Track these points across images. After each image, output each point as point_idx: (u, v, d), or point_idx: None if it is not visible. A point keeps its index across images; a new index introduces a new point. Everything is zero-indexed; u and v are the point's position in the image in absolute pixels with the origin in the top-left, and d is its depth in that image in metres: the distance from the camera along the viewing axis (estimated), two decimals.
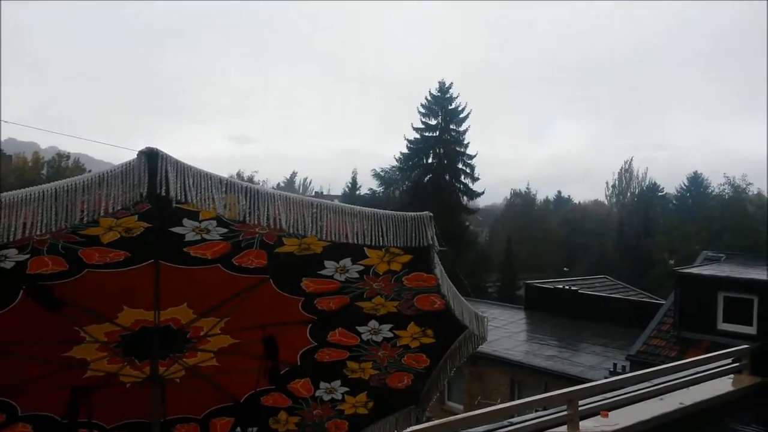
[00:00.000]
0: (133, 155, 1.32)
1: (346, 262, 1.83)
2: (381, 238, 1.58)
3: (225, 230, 1.61)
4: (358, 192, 44.64)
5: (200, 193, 1.34)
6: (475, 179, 38.22)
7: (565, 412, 3.31)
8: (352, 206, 1.56)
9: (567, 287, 20.70)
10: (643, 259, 36.07)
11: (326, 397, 2.43)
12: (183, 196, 1.32)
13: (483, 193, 38.99)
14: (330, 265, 1.85)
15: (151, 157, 1.30)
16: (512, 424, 3.17)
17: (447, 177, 38.01)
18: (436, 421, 2.91)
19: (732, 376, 4.66)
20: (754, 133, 68.61)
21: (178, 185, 1.31)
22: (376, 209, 1.62)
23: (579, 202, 59.90)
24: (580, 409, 3.38)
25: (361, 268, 1.85)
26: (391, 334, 2.18)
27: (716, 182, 42.14)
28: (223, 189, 1.39)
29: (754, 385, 4.52)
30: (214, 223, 1.56)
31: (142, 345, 2.02)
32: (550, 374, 14.08)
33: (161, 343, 1.99)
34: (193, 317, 2.01)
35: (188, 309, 1.99)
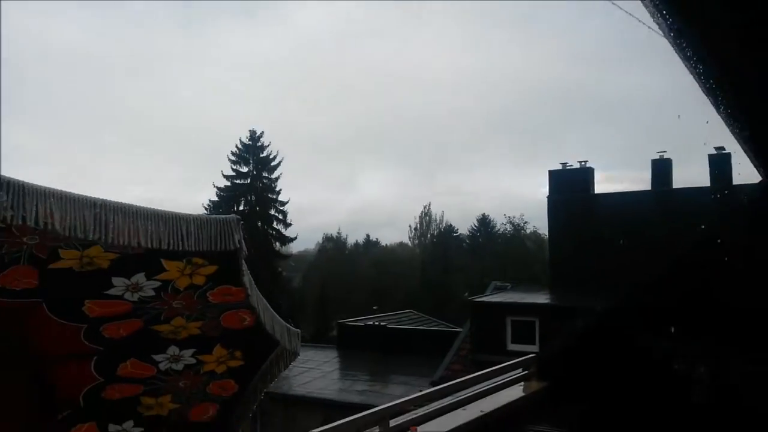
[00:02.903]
0: None
1: (140, 277, 1.59)
2: (181, 243, 1.40)
3: None
4: None
5: None
6: (287, 225, 38.27)
7: (377, 429, 3.33)
8: (146, 207, 1.37)
9: (376, 323, 21.39)
10: (444, 293, 38.91)
11: None
12: None
13: (296, 238, 39.15)
14: (119, 283, 1.59)
15: None
16: None
17: (259, 224, 37.45)
18: None
19: (523, 383, 5.12)
20: (531, 178, 79.27)
21: None
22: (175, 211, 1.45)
23: (386, 244, 62.90)
24: (391, 426, 3.42)
25: (158, 284, 1.62)
26: (194, 360, 1.96)
27: (501, 224, 47.40)
28: None
29: (542, 389, 5.02)
30: None
31: None
32: (363, 408, 14.23)
33: None
34: None
35: None
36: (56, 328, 1.69)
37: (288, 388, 17.48)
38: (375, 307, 37.22)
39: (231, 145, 37.78)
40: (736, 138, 3.52)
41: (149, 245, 1.36)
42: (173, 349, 1.90)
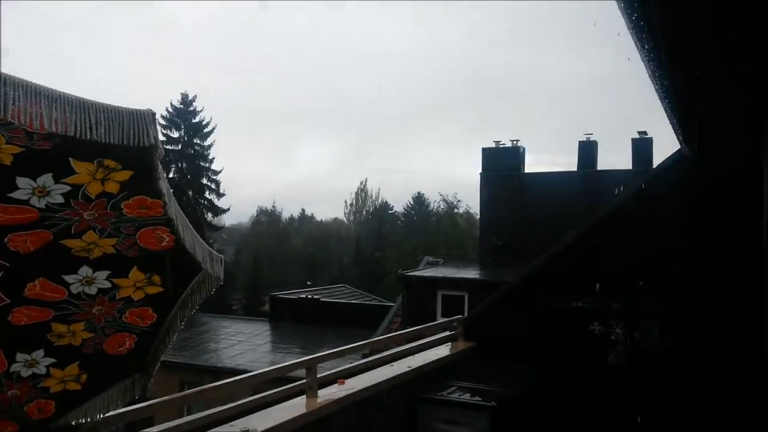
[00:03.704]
0: None
1: (46, 179, 1.44)
2: (89, 131, 1.29)
3: None
4: None
5: None
6: (220, 195, 37.28)
7: (305, 380, 3.32)
8: (51, 87, 1.26)
9: (309, 296, 21.35)
10: (377, 269, 39.23)
11: (25, 373, 1.96)
12: None
13: (229, 209, 38.24)
14: (25, 185, 1.45)
15: None
16: (253, 398, 3.05)
17: (190, 192, 36.27)
18: (165, 397, 2.63)
19: (450, 343, 5.26)
20: (466, 159, 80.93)
21: None
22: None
23: (321, 219, 62.66)
24: (319, 377, 3.42)
25: (68, 188, 1.48)
26: (108, 284, 1.83)
27: (435, 202, 48.14)
28: None
29: (468, 348, 5.18)
30: None
31: None
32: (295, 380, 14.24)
33: None
34: None
35: None
36: None
37: (217, 360, 17.20)
38: (309, 282, 37.18)
39: (161, 110, 36.12)
40: (665, 110, 3.67)
41: (54, 129, 1.25)
42: (86, 270, 1.77)
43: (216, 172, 37.09)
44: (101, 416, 2.18)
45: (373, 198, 57.96)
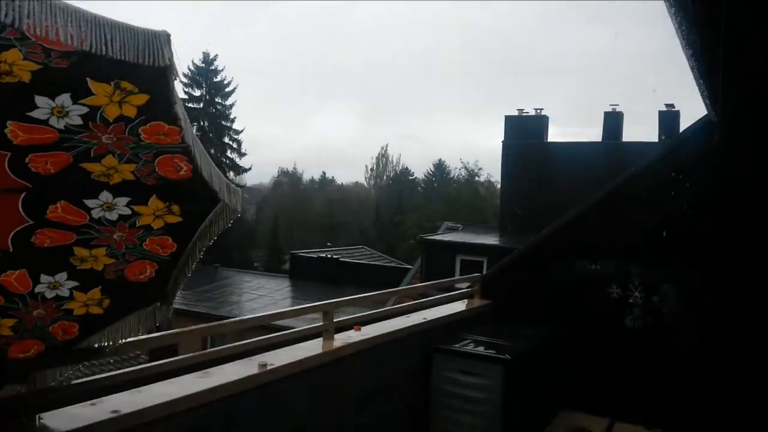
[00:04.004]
0: None
1: (65, 99, 1.45)
2: (105, 47, 1.28)
3: None
4: None
5: None
6: (242, 154, 37.50)
7: (321, 323, 3.37)
8: (65, 1, 1.24)
9: (329, 256, 21.55)
10: (396, 233, 39.38)
11: (49, 294, 2.02)
12: None
13: (250, 168, 38.52)
14: (43, 104, 1.45)
15: None
16: (271, 336, 3.11)
17: (212, 151, 36.53)
18: (189, 327, 2.69)
19: (466, 300, 5.28)
20: (489, 128, 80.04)
21: None
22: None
23: (342, 183, 62.80)
24: (336, 321, 3.48)
25: (86, 110, 1.49)
26: (128, 211, 1.86)
27: (456, 169, 47.80)
28: None
29: (484, 305, 5.20)
30: None
31: None
32: None
33: None
34: None
35: None
36: None
37: (239, 312, 17.58)
38: (329, 243, 37.53)
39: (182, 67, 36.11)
40: (694, 77, 3.53)
41: (69, 43, 1.24)
42: (106, 195, 1.79)
43: (237, 132, 37.30)
44: (123, 341, 2.24)
45: (394, 164, 57.83)
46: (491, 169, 40.16)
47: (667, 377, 4.61)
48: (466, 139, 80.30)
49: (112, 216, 1.86)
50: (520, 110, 20.03)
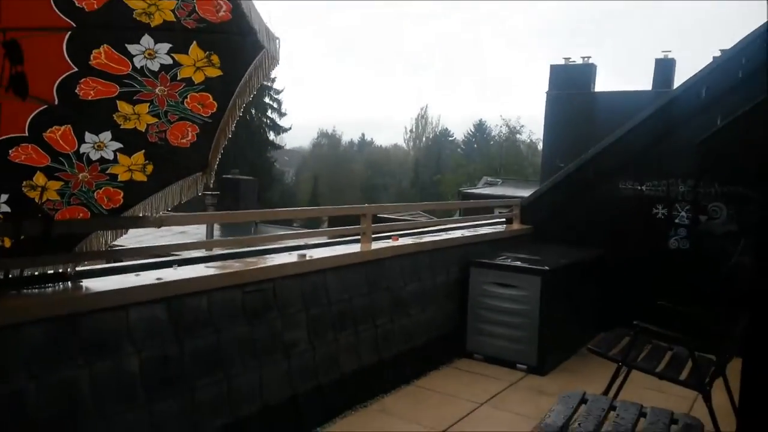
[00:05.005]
0: None
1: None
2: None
3: None
4: None
5: None
6: (282, 114, 37.63)
7: (360, 226, 3.40)
8: None
9: None
10: (435, 193, 39.21)
11: (94, 155, 2.08)
12: None
13: (290, 128, 38.56)
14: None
15: None
16: (311, 231, 3.15)
17: (253, 110, 36.77)
18: (243, 211, 2.75)
19: (505, 224, 5.24)
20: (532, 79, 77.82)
21: None
22: None
23: (381, 145, 62.53)
24: (376, 236, 3.52)
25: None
26: (170, 60, 1.85)
27: (497, 126, 46.97)
28: None
29: (523, 229, 5.16)
30: None
31: None
32: None
33: None
34: None
35: None
36: None
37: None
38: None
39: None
40: None
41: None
42: (147, 40, 1.80)
43: (278, 92, 37.28)
44: (168, 210, 2.30)
45: (434, 125, 57.09)
46: (533, 126, 39.36)
47: (715, 300, 4.48)
48: (510, 98, 78.57)
49: (154, 65, 1.86)
50: (567, 59, 19.38)
